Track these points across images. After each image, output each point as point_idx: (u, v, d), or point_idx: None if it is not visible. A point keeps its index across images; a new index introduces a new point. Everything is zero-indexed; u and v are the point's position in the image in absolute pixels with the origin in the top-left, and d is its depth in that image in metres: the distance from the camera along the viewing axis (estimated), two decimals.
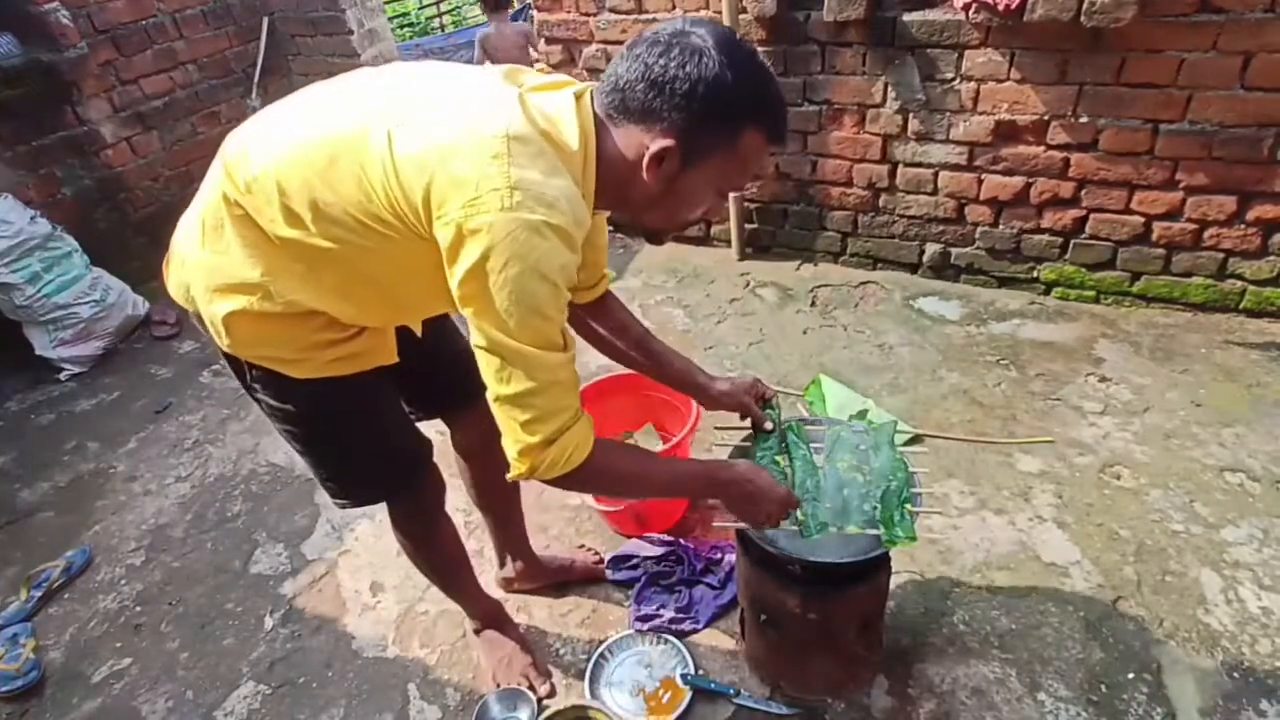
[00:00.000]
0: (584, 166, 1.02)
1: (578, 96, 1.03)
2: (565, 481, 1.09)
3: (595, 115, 1.04)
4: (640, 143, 1.01)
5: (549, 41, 3.25)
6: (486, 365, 1.01)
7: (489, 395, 1.04)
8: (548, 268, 0.94)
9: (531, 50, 4.03)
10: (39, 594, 2.10)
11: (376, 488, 1.43)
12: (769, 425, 1.48)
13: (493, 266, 0.92)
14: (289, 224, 1.04)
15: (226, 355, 1.21)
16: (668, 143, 0.99)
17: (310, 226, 1.03)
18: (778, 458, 1.43)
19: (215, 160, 1.13)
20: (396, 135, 0.97)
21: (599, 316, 1.47)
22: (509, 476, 1.09)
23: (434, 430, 1.51)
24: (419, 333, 1.35)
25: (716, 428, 1.62)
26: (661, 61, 0.96)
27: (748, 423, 1.52)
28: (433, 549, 1.59)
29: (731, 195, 3.11)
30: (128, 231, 3.63)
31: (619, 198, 1.08)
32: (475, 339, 1.00)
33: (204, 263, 1.13)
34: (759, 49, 1.08)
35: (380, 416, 1.36)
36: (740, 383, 1.50)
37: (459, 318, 1.09)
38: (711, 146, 1.01)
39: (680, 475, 1.30)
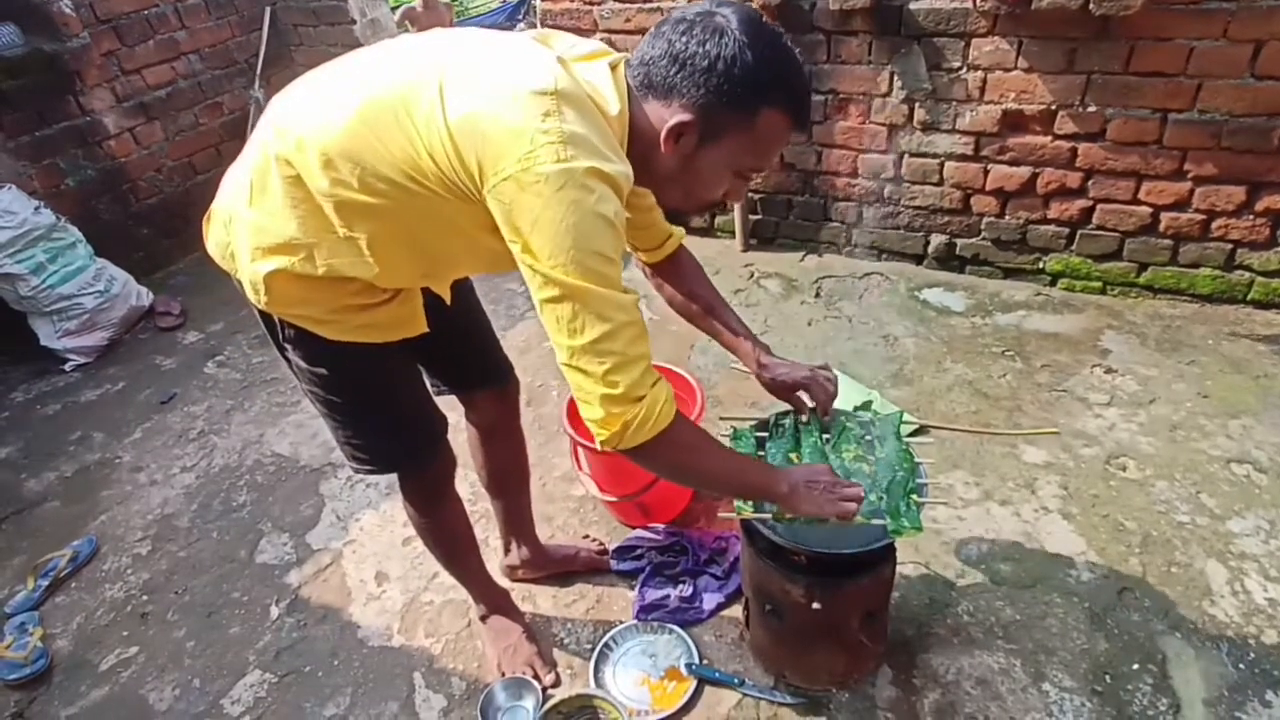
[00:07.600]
0: (623, 132, 1.05)
1: (613, 67, 1.06)
2: (647, 450, 1.07)
3: (628, 86, 1.07)
4: (662, 117, 1.04)
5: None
6: (555, 320, 1.00)
7: (561, 358, 1.03)
8: (605, 209, 0.96)
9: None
10: (46, 583, 2.11)
11: (392, 456, 1.45)
12: (805, 417, 1.47)
13: (554, 216, 0.94)
14: (334, 182, 1.05)
15: (261, 314, 1.25)
16: (686, 118, 1.02)
17: (353, 182, 1.04)
18: (791, 454, 1.43)
19: (261, 121, 1.16)
20: (448, 94, 0.99)
21: (671, 278, 1.48)
22: (598, 444, 1.06)
23: (447, 408, 1.52)
24: (448, 301, 1.36)
25: (721, 418, 1.62)
26: (684, 39, 1.00)
27: (753, 415, 1.52)
28: (441, 523, 1.62)
29: None
30: (131, 222, 3.63)
31: (643, 170, 1.09)
32: (539, 294, 0.99)
33: (252, 222, 1.14)
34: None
35: (402, 387, 1.40)
36: (792, 376, 1.44)
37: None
38: (729, 124, 1.03)
39: (742, 466, 1.30)
